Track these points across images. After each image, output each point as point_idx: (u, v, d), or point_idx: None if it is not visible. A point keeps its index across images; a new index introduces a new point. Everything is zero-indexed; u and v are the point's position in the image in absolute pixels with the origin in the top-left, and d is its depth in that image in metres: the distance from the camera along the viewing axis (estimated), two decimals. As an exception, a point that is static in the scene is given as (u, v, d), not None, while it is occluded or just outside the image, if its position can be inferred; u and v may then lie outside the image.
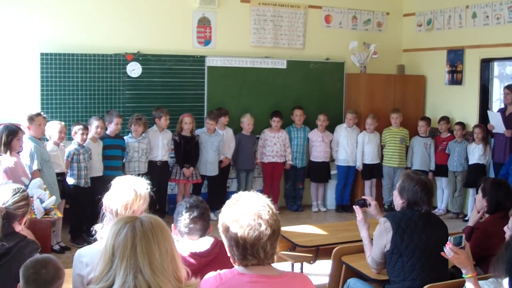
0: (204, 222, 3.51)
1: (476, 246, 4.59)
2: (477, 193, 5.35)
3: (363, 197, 5.12)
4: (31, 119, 6.98)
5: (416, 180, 4.39)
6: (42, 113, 7.36)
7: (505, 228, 4.08)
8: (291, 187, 10.07)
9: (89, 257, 3.22)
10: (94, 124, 7.97)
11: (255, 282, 2.61)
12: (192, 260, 3.31)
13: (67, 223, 7.74)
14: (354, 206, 4.96)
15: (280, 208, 9.78)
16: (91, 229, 3.48)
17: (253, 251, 2.59)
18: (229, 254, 2.71)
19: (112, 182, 3.53)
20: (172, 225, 3.52)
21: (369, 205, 4.95)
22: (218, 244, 3.38)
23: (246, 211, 2.61)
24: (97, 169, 7.98)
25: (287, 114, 9.85)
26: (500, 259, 3.23)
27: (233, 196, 2.75)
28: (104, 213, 3.47)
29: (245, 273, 2.65)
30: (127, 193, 3.40)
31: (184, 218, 3.47)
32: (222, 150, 9.26)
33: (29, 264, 3.16)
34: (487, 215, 5.13)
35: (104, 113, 8.55)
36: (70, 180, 7.60)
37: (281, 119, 9.67)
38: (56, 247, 7.34)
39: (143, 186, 3.50)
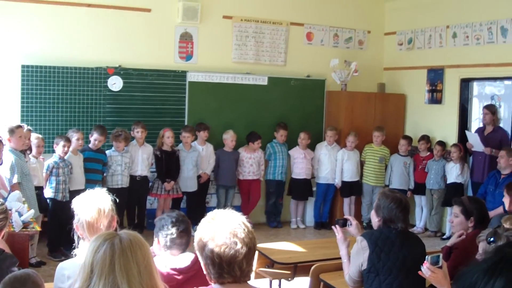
0: (187, 237, 3.53)
1: (454, 267, 4.59)
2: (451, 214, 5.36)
3: (345, 216, 5.11)
4: (12, 131, 6.87)
5: (391, 198, 4.40)
6: (25, 125, 7.30)
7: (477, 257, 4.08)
8: (273, 204, 10.03)
9: (72, 270, 3.20)
10: (74, 137, 7.89)
11: (231, 300, 2.60)
12: (172, 276, 3.30)
13: (45, 236, 7.67)
14: (333, 227, 4.88)
15: (259, 224, 9.79)
16: (70, 243, 3.45)
17: (229, 269, 2.57)
18: (205, 272, 2.70)
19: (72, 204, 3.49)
20: (155, 239, 3.51)
21: (350, 225, 4.93)
22: (198, 260, 3.38)
23: (222, 229, 2.59)
24: (79, 182, 7.90)
25: (268, 130, 9.87)
26: None
27: (209, 214, 2.73)
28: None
29: (222, 291, 2.64)
30: (90, 212, 3.38)
31: (171, 233, 3.48)
32: (200, 166, 9.26)
33: (7, 281, 3.10)
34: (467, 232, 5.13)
35: (84, 126, 8.53)
36: (48, 193, 7.53)
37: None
38: (33, 260, 7.24)
39: (104, 200, 3.46)
